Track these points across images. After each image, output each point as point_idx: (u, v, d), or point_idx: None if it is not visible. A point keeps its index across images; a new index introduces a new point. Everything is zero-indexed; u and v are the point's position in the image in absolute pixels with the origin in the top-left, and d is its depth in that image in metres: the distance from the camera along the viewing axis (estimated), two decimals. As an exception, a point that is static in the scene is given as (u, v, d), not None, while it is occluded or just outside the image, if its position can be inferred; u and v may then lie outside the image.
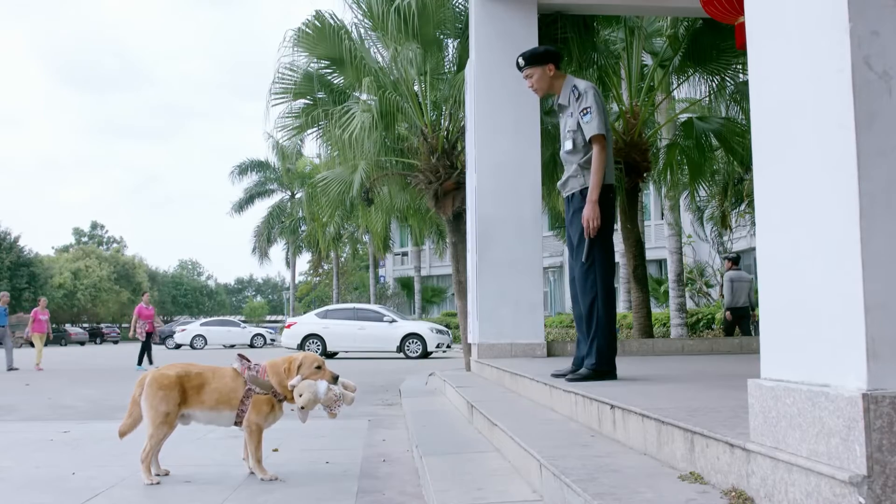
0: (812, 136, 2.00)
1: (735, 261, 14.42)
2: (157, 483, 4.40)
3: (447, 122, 12.20)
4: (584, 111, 5.09)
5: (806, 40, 2.04)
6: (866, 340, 1.79)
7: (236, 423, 4.55)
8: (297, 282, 55.43)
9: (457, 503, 3.28)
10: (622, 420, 3.48)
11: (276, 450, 5.51)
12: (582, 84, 5.26)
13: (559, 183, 5.52)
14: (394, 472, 4.75)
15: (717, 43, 11.00)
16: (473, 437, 5.23)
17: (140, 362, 18.84)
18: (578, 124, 5.15)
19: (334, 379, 4.55)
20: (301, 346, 23.92)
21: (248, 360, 4.62)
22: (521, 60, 5.42)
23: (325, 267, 54.12)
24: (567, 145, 5.25)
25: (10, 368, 18.59)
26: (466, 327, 10.74)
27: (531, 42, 9.27)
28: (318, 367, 4.57)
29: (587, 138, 5.09)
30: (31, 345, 18.89)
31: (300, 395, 4.43)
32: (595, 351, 5.06)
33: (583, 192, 5.15)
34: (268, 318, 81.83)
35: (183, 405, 4.46)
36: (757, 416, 2.27)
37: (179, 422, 4.56)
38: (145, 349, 19.00)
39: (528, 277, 9.26)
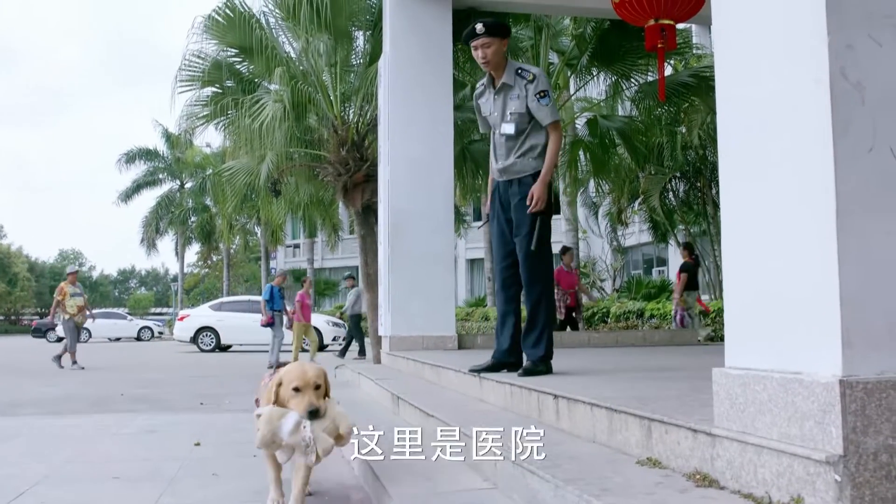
0: (790, 140, 2.13)
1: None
2: None
3: (357, 115, 12.17)
4: (542, 94, 4.87)
5: (785, 53, 2.17)
6: (842, 331, 1.94)
7: None
8: (184, 273, 53.99)
9: (408, 494, 3.31)
10: (567, 409, 3.59)
11: (198, 444, 5.42)
12: (533, 68, 5.07)
13: (498, 167, 5.14)
14: (326, 466, 4.72)
15: (623, 44, 11.32)
16: (404, 428, 5.25)
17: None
18: (526, 107, 4.91)
19: (314, 412, 3.10)
20: (194, 340, 23.52)
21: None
22: (479, 27, 4.89)
23: (215, 259, 52.89)
24: (507, 128, 4.99)
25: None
26: (377, 319, 10.74)
27: (446, 37, 9.36)
28: (297, 389, 3.14)
29: (546, 123, 4.90)
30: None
31: (257, 430, 3.15)
32: (546, 342, 5.05)
33: (534, 176, 4.92)
34: (153, 310, 79.25)
35: None
36: (722, 402, 2.40)
37: None
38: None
39: (440, 270, 9.35)
